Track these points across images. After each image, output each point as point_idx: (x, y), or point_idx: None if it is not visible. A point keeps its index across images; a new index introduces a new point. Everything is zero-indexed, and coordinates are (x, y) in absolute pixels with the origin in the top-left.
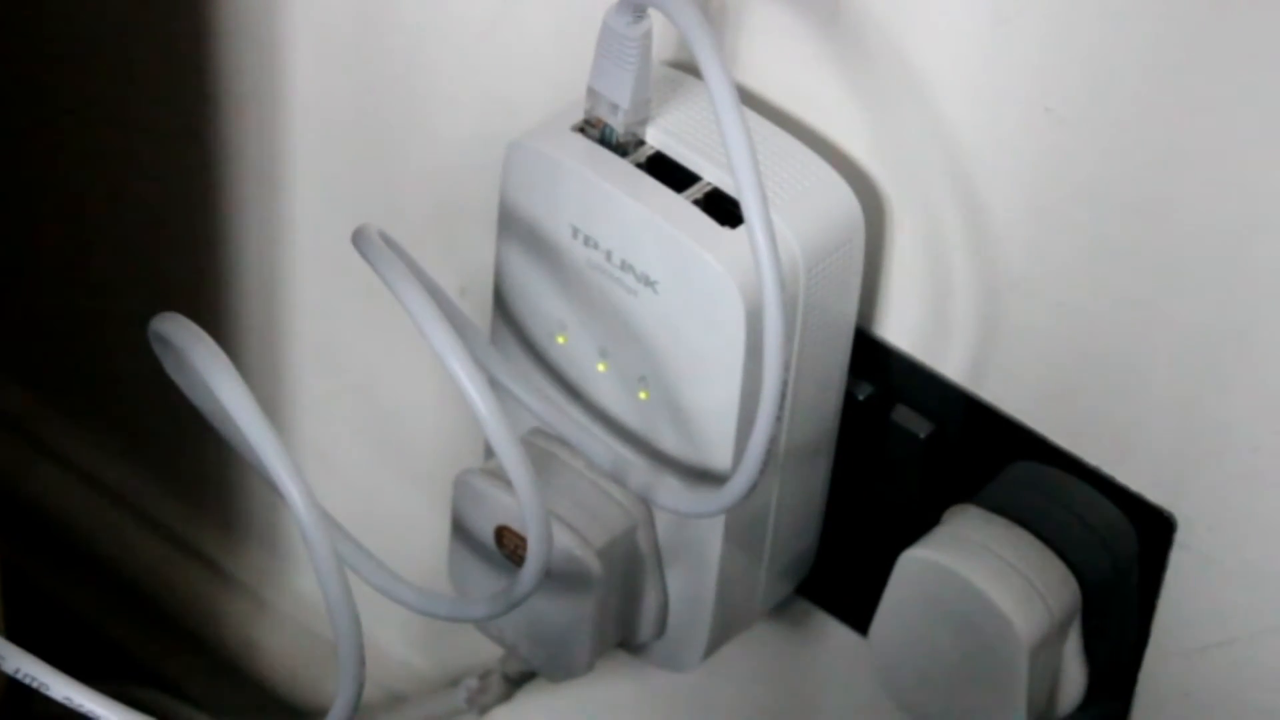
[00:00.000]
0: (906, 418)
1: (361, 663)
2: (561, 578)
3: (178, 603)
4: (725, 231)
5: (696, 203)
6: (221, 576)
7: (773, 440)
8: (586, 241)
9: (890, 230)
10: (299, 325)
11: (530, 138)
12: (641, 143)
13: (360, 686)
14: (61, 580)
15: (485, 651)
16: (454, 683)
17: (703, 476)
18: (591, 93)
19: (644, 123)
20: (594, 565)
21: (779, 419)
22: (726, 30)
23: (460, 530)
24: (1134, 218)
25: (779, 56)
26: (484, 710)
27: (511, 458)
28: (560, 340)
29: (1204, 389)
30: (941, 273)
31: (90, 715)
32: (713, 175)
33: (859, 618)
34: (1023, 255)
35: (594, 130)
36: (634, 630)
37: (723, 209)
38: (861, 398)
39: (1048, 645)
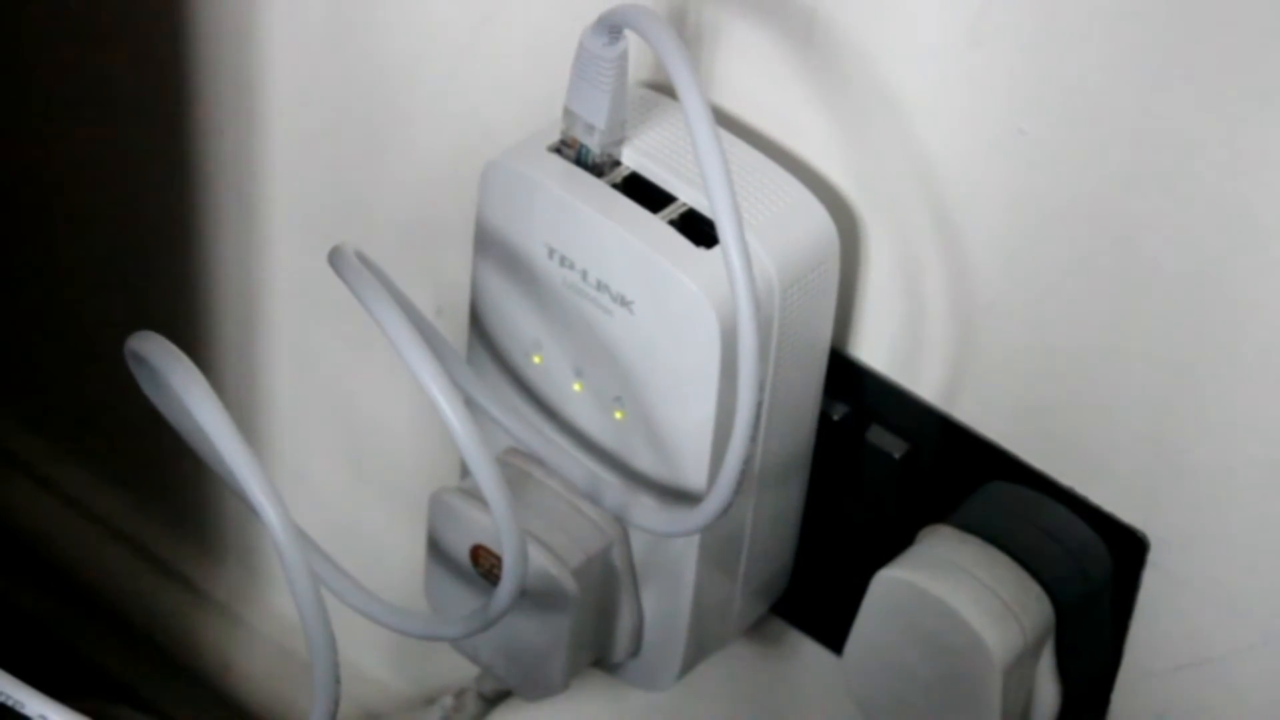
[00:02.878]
0: (881, 438)
1: (337, 681)
2: (537, 597)
3: (153, 621)
4: (700, 252)
5: (672, 223)
6: (197, 595)
7: (748, 460)
8: (562, 261)
9: (865, 251)
10: (275, 344)
11: (507, 158)
12: (617, 163)
13: (335, 705)
14: (36, 598)
15: (461, 670)
16: (429, 701)
17: (678, 496)
18: (568, 113)
19: (620, 143)
20: (569, 584)
21: (754, 439)
22: (702, 52)
23: (436, 549)
24: (1107, 239)
25: (754, 78)
26: None
27: (487, 477)
28: (536, 360)
29: (1177, 410)
30: (916, 293)
31: None
32: (688, 196)
33: (833, 637)
34: (997, 276)
35: (570, 151)
36: (609, 649)
37: (698, 230)
38: (836, 418)
39: (1021, 665)
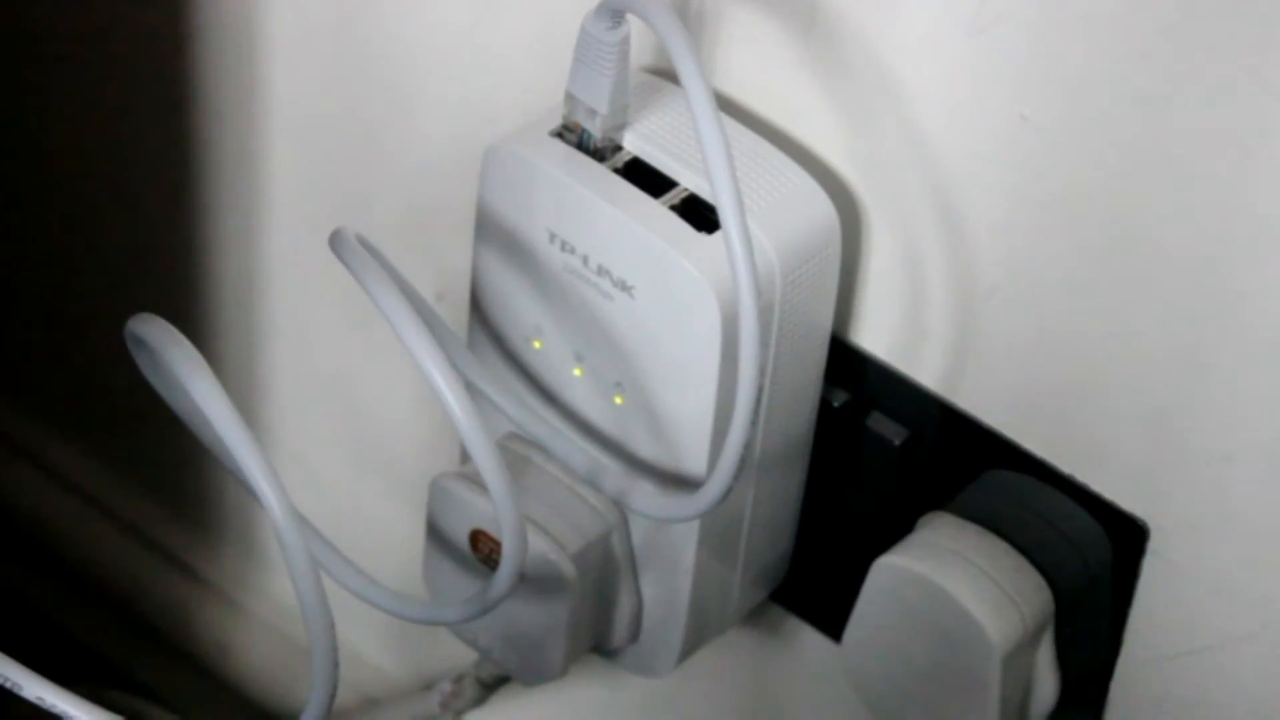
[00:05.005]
0: (881, 425)
1: (335, 666)
2: (536, 582)
3: (152, 605)
4: (702, 237)
5: (673, 208)
6: (196, 579)
7: (748, 446)
8: (563, 246)
9: (866, 237)
10: (276, 328)
11: (508, 142)
12: (619, 148)
13: (333, 690)
14: (35, 582)
15: (459, 655)
16: (428, 686)
17: (678, 482)
18: (569, 98)
19: (621, 128)
20: (568, 569)
21: (754, 425)
22: (704, 37)
23: (435, 534)
24: (1108, 227)
25: (757, 63)
26: (458, 714)
27: (487, 461)
28: (536, 345)
29: (1177, 398)
30: (917, 280)
31: (62, 716)
32: (690, 181)
33: (833, 624)
34: (998, 263)
35: (571, 135)
36: (608, 635)
37: (699, 215)
38: (837, 404)
39: (1020, 652)
